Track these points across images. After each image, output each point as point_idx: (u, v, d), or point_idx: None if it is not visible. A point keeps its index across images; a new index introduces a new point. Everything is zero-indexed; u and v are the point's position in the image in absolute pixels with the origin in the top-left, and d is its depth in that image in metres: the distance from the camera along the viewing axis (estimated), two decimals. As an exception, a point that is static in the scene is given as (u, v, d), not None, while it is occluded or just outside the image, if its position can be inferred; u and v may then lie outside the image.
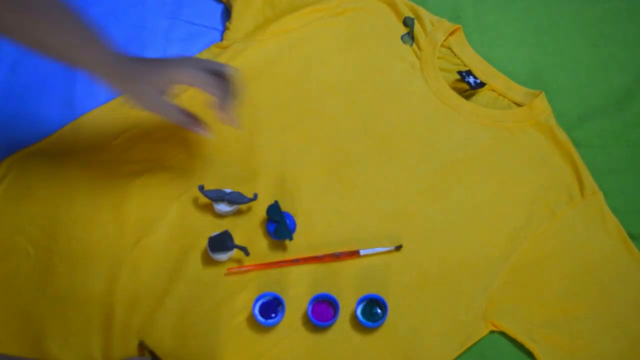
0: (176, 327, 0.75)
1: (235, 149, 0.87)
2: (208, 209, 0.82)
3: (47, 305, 0.77)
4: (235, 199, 0.80)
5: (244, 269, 0.79)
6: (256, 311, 0.75)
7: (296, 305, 0.77)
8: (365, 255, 0.80)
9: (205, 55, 0.95)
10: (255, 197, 0.81)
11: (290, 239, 0.79)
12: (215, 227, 0.81)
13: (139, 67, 0.73)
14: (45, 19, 0.67)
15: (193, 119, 0.79)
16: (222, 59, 0.94)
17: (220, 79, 0.75)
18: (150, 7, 1.02)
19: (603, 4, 1.02)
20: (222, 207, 0.81)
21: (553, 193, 0.84)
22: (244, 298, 0.77)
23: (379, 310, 0.76)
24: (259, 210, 0.82)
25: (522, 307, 0.77)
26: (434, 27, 0.96)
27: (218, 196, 0.81)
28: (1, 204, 0.83)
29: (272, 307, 0.76)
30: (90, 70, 0.71)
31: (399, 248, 0.80)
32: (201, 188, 0.81)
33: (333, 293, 0.77)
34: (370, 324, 0.75)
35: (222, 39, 0.98)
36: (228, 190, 0.82)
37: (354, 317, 0.76)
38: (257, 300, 0.76)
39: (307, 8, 0.97)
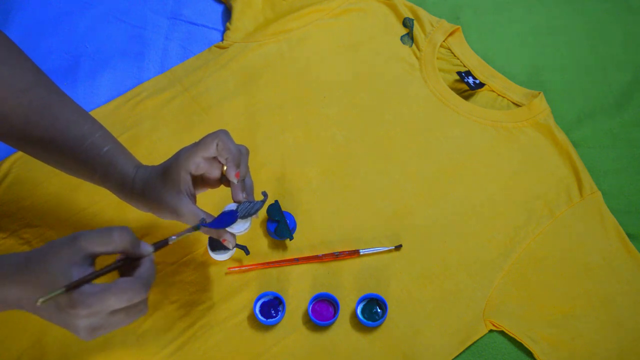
0: (177, 327, 0.76)
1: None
2: (208, 207, 0.82)
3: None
4: (247, 210, 0.69)
5: (244, 268, 0.79)
6: (257, 310, 0.75)
7: (296, 304, 0.77)
8: (365, 255, 0.80)
9: (205, 55, 0.96)
10: (265, 195, 0.71)
11: (291, 238, 0.79)
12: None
13: (156, 170, 0.69)
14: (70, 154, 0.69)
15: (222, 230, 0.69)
16: (222, 59, 0.94)
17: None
18: (151, 7, 1.02)
19: (602, 5, 1.03)
20: (238, 228, 0.69)
21: (552, 193, 0.84)
22: (245, 297, 0.77)
23: (379, 310, 0.76)
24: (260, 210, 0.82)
25: (521, 306, 0.77)
26: (433, 27, 0.97)
27: (228, 222, 0.67)
28: (2, 203, 0.83)
29: (272, 306, 0.76)
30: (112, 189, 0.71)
31: (398, 248, 0.80)
32: (202, 222, 0.66)
33: (333, 292, 0.77)
34: (370, 323, 0.75)
35: (222, 39, 0.98)
36: (233, 206, 0.70)
37: (354, 316, 0.76)
38: (257, 299, 0.76)
39: (307, 9, 0.98)
